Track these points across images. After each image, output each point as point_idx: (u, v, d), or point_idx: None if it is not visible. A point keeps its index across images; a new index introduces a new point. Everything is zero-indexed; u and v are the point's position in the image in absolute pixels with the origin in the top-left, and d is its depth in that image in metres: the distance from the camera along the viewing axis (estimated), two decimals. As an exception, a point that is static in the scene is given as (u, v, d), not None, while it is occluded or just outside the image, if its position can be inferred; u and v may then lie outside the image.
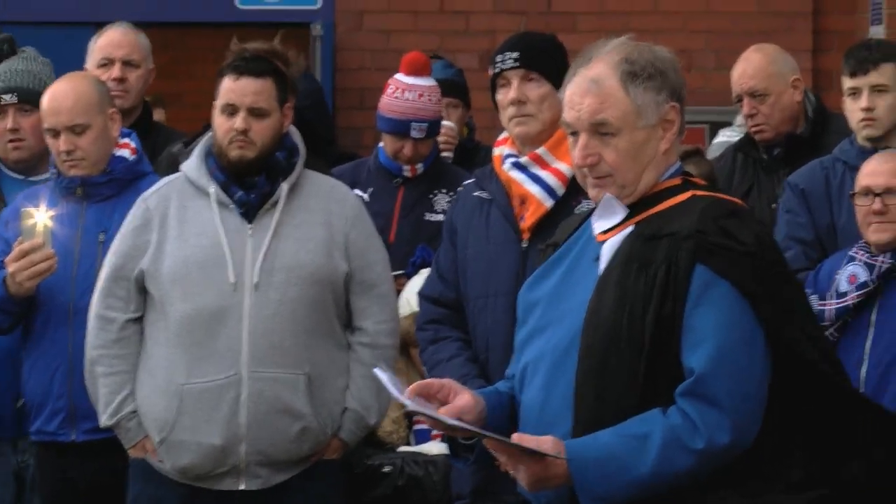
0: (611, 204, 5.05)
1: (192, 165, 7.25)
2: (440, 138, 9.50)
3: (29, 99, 8.12)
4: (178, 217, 7.15)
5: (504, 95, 7.18)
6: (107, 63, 8.89)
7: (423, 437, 8.01)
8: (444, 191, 8.72)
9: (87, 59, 9.07)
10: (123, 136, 8.01)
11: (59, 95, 7.68)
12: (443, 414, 4.93)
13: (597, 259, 5.01)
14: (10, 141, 8.01)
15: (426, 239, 8.39)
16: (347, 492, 7.68)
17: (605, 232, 5.04)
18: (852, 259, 7.63)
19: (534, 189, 6.98)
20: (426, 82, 9.07)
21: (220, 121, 7.12)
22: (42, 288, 7.34)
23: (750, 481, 5.05)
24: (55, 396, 7.43)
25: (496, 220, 7.10)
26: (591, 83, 4.92)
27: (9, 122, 8.06)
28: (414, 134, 8.79)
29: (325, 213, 7.29)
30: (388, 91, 9.03)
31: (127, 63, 8.92)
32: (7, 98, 8.13)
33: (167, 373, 7.05)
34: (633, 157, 4.94)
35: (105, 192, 7.59)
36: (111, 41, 9.03)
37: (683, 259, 4.84)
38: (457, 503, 7.50)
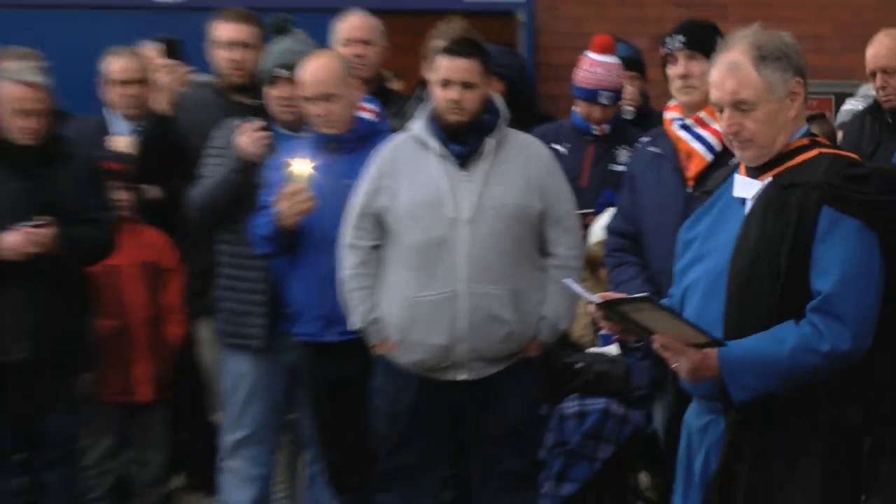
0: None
1: (418, 126, 7.59)
2: (623, 104, 9.63)
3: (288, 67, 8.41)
4: (409, 166, 7.51)
5: (673, 70, 7.50)
6: (348, 42, 9.10)
7: (607, 340, 8.13)
8: (624, 147, 8.75)
9: (332, 39, 9.19)
10: (367, 101, 8.35)
11: (316, 69, 7.98)
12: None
13: (743, 204, 5.33)
14: (284, 106, 8.26)
15: (611, 185, 8.47)
16: (546, 385, 7.84)
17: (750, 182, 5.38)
18: None
19: (696, 146, 7.28)
20: (611, 59, 9.22)
21: (438, 92, 7.49)
22: (303, 222, 7.68)
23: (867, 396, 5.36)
24: (315, 305, 7.83)
25: (666, 171, 7.37)
26: (730, 67, 5.21)
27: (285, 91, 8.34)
28: (602, 101, 8.98)
29: (524, 162, 7.56)
30: (582, 66, 9.17)
31: (364, 42, 9.14)
32: (283, 73, 8.29)
33: (402, 288, 7.42)
34: (768, 124, 5.23)
35: (351, 146, 7.90)
36: (352, 25, 9.26)
37: (812, 204, 5.11)
38: (637, 393, 7.97)
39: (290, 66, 8.18)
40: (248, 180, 8.16)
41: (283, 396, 8.50)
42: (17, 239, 8.09)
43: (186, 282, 8.97)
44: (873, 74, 9.41)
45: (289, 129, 8.24)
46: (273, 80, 8.28)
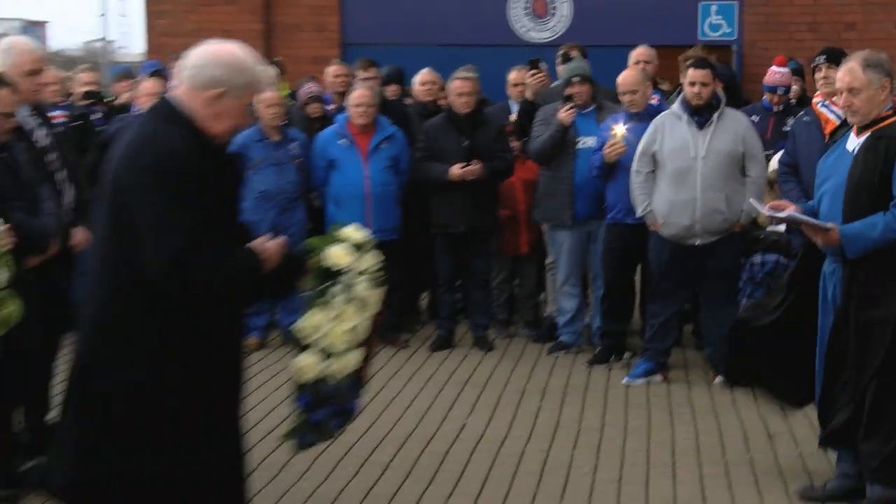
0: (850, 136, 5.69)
1: (676, 106, 8.16)
2: (790, 96, 9.68)
3: (586, 78, 8.83)
4: (670, 128, 8.07)
5: (818, 75, 8.20)
6: (638, 61, 9.20)
7: (777, 224, 7.73)
8: (790, 117, 8.84)
9: (629, 61, 9.29)
10: (653, 94, 8.91)
11: (625, 77, 8.60)
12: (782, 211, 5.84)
13: (853, 150, 5.65)
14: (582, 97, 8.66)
15: (782, 139, 8.72)
16: (742, 247, 8.24)
17: (858, 135, 5.67)
18: None
19: (831, 115, 7.83)
20: (784, 69, 9.49)
21: (687, 88, 8.07)
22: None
23: None
24: (620, 201, 8.40)
25: (813, 130, 7.94)
26: (850, 69, 5.61)
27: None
28: (779, 92, 9.35)
29: (734, 126, 8.05)
30: (768, 73, 9.45)
31: (647, 62, 9.25)
32: (576, 79, 8.72)
33: (665, 194, 8.03)
34: (868, 103, 5.59)
35: (644, 118, 8.38)
36: (640, 52, 9.35)
37: (890, 149, 5.48)
38: (794, 252, 7.85)
39: (581, 76, 8.83)
40: (563, 137, 8.78)
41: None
42: (469, 169, 8.81)
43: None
44: None
45: (582, 110, 8.76)
46: (569, 83, 8.84)
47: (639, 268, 8.93)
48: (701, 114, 8.06)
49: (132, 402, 3.83)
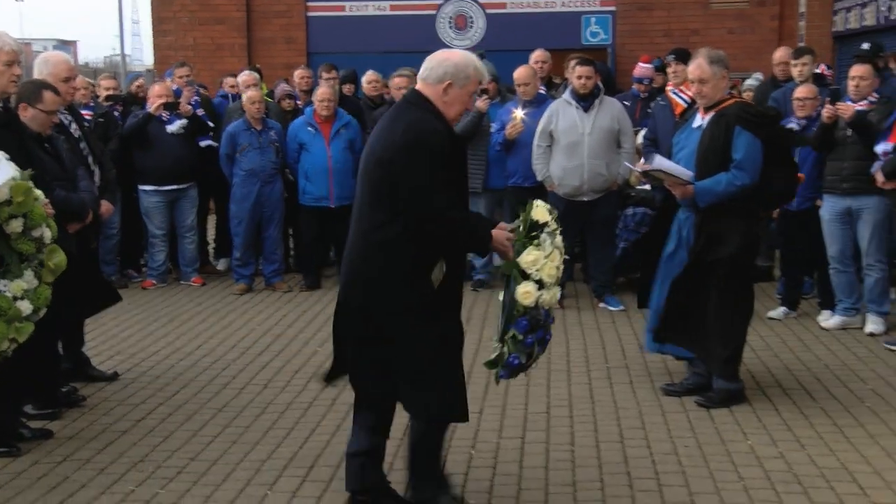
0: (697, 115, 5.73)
1: (566, 95, 8.07)
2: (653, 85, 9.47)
3: (493, 77, 8.67)
4: (563, 112, 7.98)
5: (670, 69, 8.48)
6: (536, 62, 9.09)
7: (644, 184, 8.15)
8: (652, 102, 8.69)
9: (530, 60, 9.13)
10: (542, 86, 8.78)
11: (520, 72, 8.51)
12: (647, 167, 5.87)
13: (701, 126, 5.68)
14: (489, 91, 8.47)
15: (646, 118, 8.72)
16: (619, 202, 8.33)
17: (704, 114, 5.66)
18: (790, 122, 7.48)
19: (679, 100, 8.07)
20: (649, 65, 9.46)
21: (575, 80, 7.95)
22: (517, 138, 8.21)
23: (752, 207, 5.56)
24: (520, 169, 8.31)
25: (667, 112, 8.10)
26: (697, 66, 5.61)
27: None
28: (644, 83, 9.29)
29: (611, 109, 8.02)
30: (637, 68, 9.40)
31: (543, 62, 9.22)
32: (488, 78, 8.27)
33: (559, 162, 7.95)
34: (714, 89, 5.62)
35: (536, 103, 8.34)
36: (536, 56, 9.24)
37: (732, 123, 5.51)
38: (657, 205, 7.88)
39: (490, 75, 8.55)
40: (480, 122, 8.60)
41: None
42: None
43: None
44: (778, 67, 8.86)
45: (496, 100, 8.71)
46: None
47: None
48: (586, 100, 8.04)
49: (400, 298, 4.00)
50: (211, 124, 9.59)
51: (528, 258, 4.07)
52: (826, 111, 7.02)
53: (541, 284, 4.07)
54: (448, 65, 4.05)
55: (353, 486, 4.26)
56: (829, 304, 7.61)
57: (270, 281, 9.24)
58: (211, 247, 10.39)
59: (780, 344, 6.96)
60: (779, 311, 7.76)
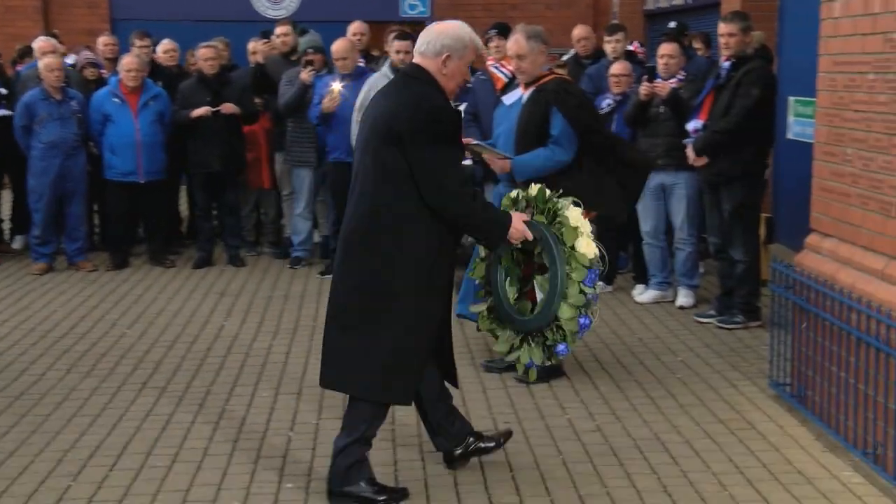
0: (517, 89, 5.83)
1: (384, 69, 7.95)
2: None
3: (319, 49, 8.83)
4: (381, 86, 8.15)
5: (491, 44, 8.11)
6: (354, 34, 8.98)
7: (465, 159, 7.34)
8: (472, 76, 8.32)
9: (347, 32, 8.99)
10: (361, 59, 8.71)
11: (339, 45, 8.36)
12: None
13: (520, 100, 5.74)
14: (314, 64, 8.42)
15: (465, 93, 8.00)
16: None
17: (524, 89, 5.71)
18: (606, 98, 7.75)
19: (500, 75, 7.82)
20: None
21: (393, 55, 7.87)
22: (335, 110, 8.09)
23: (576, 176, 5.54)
24: (341, 144, 8.12)
25: (488, 86, 7.80)
26: (516, 40, 5.66)
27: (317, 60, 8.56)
28: None
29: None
30: None
31: (361, 34, 9.07)
32: (310, 53, 8.60)
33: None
34: (532, 65, 5.67)
35: (355, 76, 8.23)
36: (355, 27, 9.11)
37: (550, 100, 5.59)
38: (478, 179, 7.92)
39: (315, 47, 8.78)
40: (304, 94, 8.52)
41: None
42: (224, 106, 8.59)
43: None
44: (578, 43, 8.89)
45: (322, 73, 8.57)
46: (306, 52, 8.68)
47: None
48: (405, 74, 8.03)
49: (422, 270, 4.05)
50: (3, 91, 9.14)
51: (574, 214, 4.45)
52: (643, 88, 7.18)
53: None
54: (445, 37, 4.07)
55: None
56: (642, 278, 7.85)
57: (73, 260, 8.96)
58: (6, 224, 10.00)
59: (597, 318, 7.08)
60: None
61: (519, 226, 4.29)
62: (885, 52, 4.50)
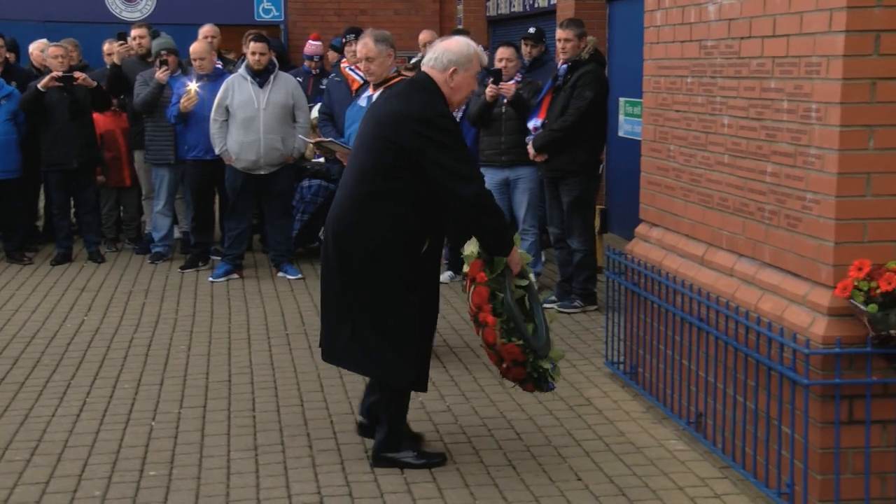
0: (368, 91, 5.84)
1: (241, 70, 7.82)
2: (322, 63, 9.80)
3: (172, 50, 8.63)
4: (238, 86, 7.81)
5: (347, 48, 8.41)
6: (205, 37, 8.74)
7: (318, 157, 8.42)
8: (325, 78, 8.93)
9: (199, 35, 8.79)
10: (217, 60, 8.58)
11: (197, 47, 8.32)
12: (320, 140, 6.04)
13: (369, 100, 5.68)
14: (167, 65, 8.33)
15: (320, 94, 8.62)
16: (295, 174, 8.32)
17: (374, 90, 5.70)
18: None
19: (356, 76, 7.76)
20: (318, 43, 9.61)
21: (250, 56, 7.81)
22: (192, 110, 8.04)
23: None
24: (200, 143, 8.09)
25: (343, 87, 7.92)
26: (364, 45, 5.67)
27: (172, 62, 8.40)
28: (314, 59, 9.50)
29: (286, 85, 7.95)
30: (307, 45, 9.54)
31: (213, 36, 8.83)
32: (164, 54, 8.45)
33: (235, 136, 7.76)
34: (381, 67, 5.69)
35: (213, 77, 8.17)
36: (206, 30, 8.92)
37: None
38: (333, 177, 8.31)
39: (168, 49, 8.58)
40: (161, 93, 8.47)
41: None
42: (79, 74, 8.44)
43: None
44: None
45: (175, 74, 8.52)
46: (160, 54, 8.52)
47: (216, 192, 8.80)
48: (261, 76, 7.96)
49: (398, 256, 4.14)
50: None
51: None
52: (489, 90, 7.24)
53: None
54: (451, 52, 4.23)
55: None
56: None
57: (-73, 259, 8.50)
58: None
59: (446, 306, 7.15)
60: (445, 276, 7.98)
61: (515, 257, 4.26)
62: (700, 58, 4.70)
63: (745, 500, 4.03)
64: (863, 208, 3.67)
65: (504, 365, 4.18)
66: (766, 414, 4.01)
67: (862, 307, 3.53)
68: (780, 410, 3.91)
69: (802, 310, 3.82)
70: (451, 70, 4.22)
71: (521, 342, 4.10)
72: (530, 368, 4.15)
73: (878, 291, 3.51)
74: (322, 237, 5.42)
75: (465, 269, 4.24)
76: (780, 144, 4.03)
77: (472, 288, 4.15)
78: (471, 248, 4.26)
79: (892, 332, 3.53)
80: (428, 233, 4.19)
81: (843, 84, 3.61)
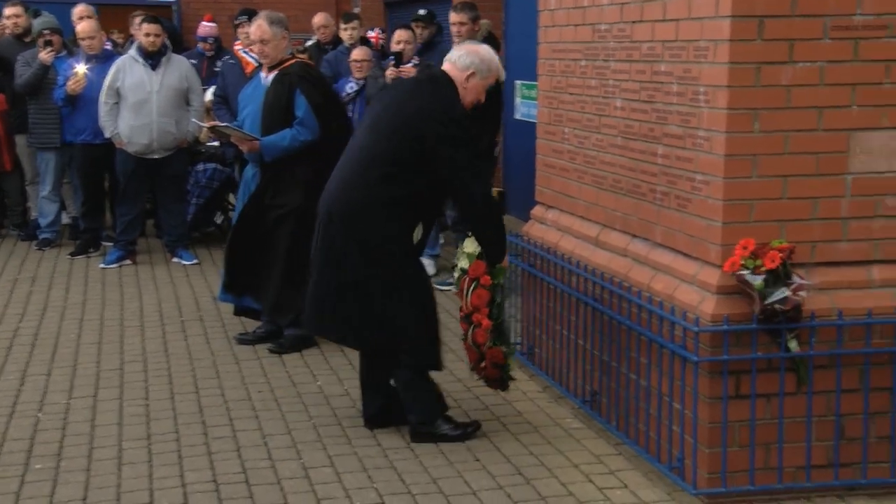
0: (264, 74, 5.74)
1: (132, 52, 7.76)
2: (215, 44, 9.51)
3: (56, 29, 8.39)
4: (130, 68, 7.65)
5: (240, 30, 8.24)
6: (81, 18, 8.33)
7: (213, 140, 8.23)
8: (219, 60, 8.90)
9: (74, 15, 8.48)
10: (107, 42, 8.52)
11: (84, 26, 8.05)
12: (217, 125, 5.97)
13: (266, 84, 5.70)
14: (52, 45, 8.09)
15: (214, 76, 8.62)
16: (188, 158, 8.19)
17: (268, 73, 5.66)
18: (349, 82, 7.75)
19: (250, 59, 7.78)
20: (213, 24, 9.45)
21: (142, 38, 7.67)
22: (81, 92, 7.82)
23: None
24: (88, 127, 7.92)
25: (237, 70, 8.00)
26: (258, 27, 5.64)
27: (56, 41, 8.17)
28: (209, 41, 9.28)
29: (179, 67, 7.84)
30: (200, 26, 9.39)
31: (88, 16, 8.40)
32: (48, 33, 8.22)
33: (126, 120, 7.58)
34: (275, 50, 5.65)
35: (102, 60, 7.96)
36: (79, 10, 8.49)
37: (293, 82, 5.58)
38: (228, 161, 8.33)
39: (51, 28, 8.38)
40: (45, 75, 8.25)
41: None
42: None
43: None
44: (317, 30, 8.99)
45: (61, 54, 8.23)
46: (42, 33, 8.29)
47: (106, 176, 8.58)
48: (153, 58, 7.83)
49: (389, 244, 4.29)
50: None
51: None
52: (390, 72, 7.22)
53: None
54: (475, 56, 4.37)
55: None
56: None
57: None
58: None
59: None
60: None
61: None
62: (593, 42, 4.75)
63: (638, 475, 4.10)
64: (749, 189, 3.75)
65: (482, 364, 4.38)
66: (658, 391, 4.08)
67: (751, 281, 3.61)
68: (671, 387, 3.98)
69: (692, 289, 3.89)
70: (469, 72, 4.35)
71: (504, 348, 4.35)
72: (504, 373, 4.41)
73: (763, 269, 3.61)
74: (276, 221, 5.53)
75: (463, 264, 4.38)
76: (671, 127, 4.09)
77: (471, 287, 4.30)
78: (471, 246, 4.39)
79: (777, 307, 3.61)
80: (421, 221, 4.35)
81: (729, 68, 3.68)
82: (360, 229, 4.26)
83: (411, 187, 4.25)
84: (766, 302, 3.62)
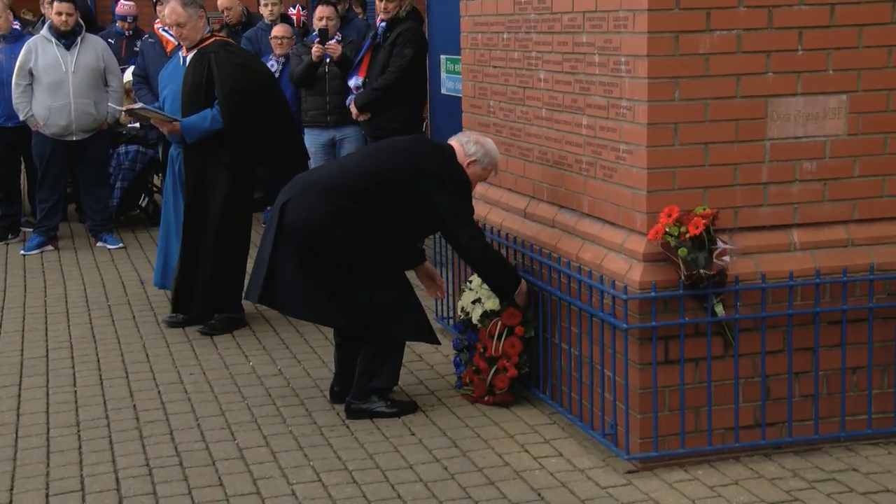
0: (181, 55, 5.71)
1: (44, 31, 7.67)
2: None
3: None
4: (43, 48, 7.56)
5: (158, 9, 8.03)
6: None
7: (134, 122, 8.12)
8: (139, 40, 8.76)
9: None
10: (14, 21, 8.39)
11: None
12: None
13: (183, 62, 5.70)
14: None
15: (134, 56, 8.54)
16: (110, 140, 8.13)
17: (187, 52, 5.62)
18: (270, 59, 7.78)
19: (170, 38, 7.70)
20: (131, 2, 9.31)
21: (55, 17, 7.59)
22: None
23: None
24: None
25: (157, 49, 7.98)
26: (172, 10, 5.58)
27: None
28: (128, 21, 9.17)
29: (95, 47, 7.76)
30: (119, 6, 9.22)
31: None
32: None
33: (42, 101, 7.51)
34: (193, 30, 5.61)
35: (11, 40, 7.95)
36: None
37: (212, 60, 5.54)
38: (151, 142, 8.29)
39: None
40: None
41: None
42: None
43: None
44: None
45: None
46: None
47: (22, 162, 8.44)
48: (67, 37, 7.74)
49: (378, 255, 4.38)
50: None
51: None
52: (315, 49, 7.17)
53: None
54: (481, 147, 4.54)
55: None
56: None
57: None
58: None
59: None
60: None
61: (524, 289, 4.50)
62: (515, 14, 4.75)
63: (573, 444, 4.15)
64: (672, 157, 3.80)
65: (486, 398, 4.53)
66: (589, 359, 4.13)
67: (674, 248, 3.67)
68: (602, 355, 4.03)
69: (620, 257, 3.93)
70: (472, 159, 4.50)
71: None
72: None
73: (688, 236, 3.67)
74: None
75: (489, 305, 4.51)
76: (594, 97, 4.12)
77: (504, 332, 4.43)
78: (490, 303, 4.53)
79: (702, 272, 3.67)
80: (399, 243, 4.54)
81: (648, 37, 3.72)
82: (346, 228, 4.30)
83: (398, 213, 4.37)
84: (695, 271, 3.66)
